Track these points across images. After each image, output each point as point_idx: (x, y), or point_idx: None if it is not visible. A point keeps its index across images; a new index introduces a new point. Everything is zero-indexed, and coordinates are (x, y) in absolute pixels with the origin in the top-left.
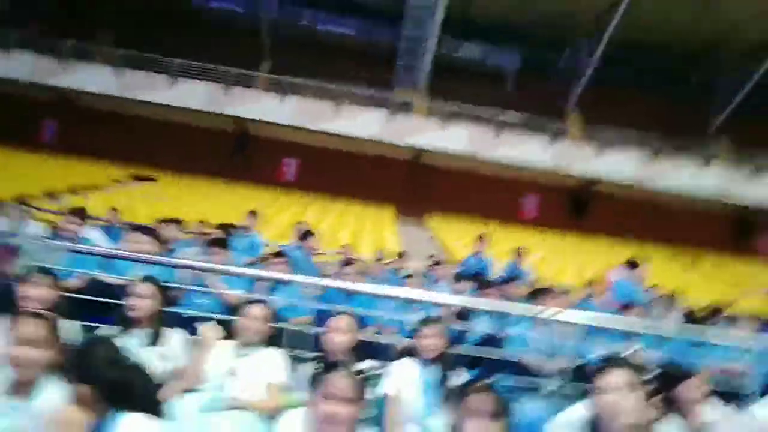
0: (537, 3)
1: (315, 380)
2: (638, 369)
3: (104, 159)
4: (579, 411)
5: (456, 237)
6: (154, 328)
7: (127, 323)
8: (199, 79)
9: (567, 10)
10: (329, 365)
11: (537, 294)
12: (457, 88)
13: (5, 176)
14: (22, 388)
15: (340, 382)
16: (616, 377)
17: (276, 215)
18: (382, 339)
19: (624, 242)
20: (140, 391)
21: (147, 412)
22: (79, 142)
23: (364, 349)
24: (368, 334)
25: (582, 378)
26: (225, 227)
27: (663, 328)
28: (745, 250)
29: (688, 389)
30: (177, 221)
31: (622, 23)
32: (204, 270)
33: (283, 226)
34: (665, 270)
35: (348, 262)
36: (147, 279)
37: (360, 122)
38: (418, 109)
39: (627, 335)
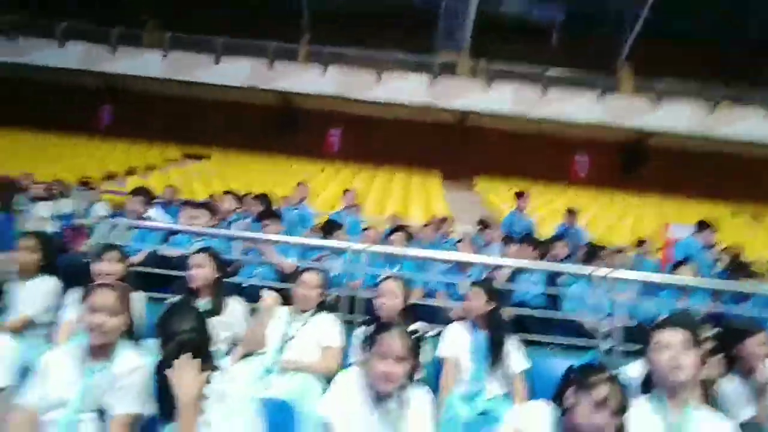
0: None
1: (369, 340)
2: (696, 327)
3: (158, 140)
4: (634, 370)
5: (504, 199)
6: (214, 297)
7: (189, 294)
8: (242, 55)
9: None
10: (382, 326)
11: (591, 254)
12: (500, 46)
13: (68, 161)
14: (99, 352)
15: (393, 341)
16: (671, 335)
17: (324, 186)
18: (434, 302)
19: (680, 198)
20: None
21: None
22: (134, 125)
23: (415, 313)
24: (419, 298)
25: (637, 337)
26: (264, 198)
27: (721, 284)
28: None
29: (751, 346)
30: (231, 194)
31: None
32: (257, 241)
33: (332, 196)
34: (725, 226)
35: (396, 229)
36: (203, 250)
37: (403, 88)
38: (462, 71)
39: (682, 292)
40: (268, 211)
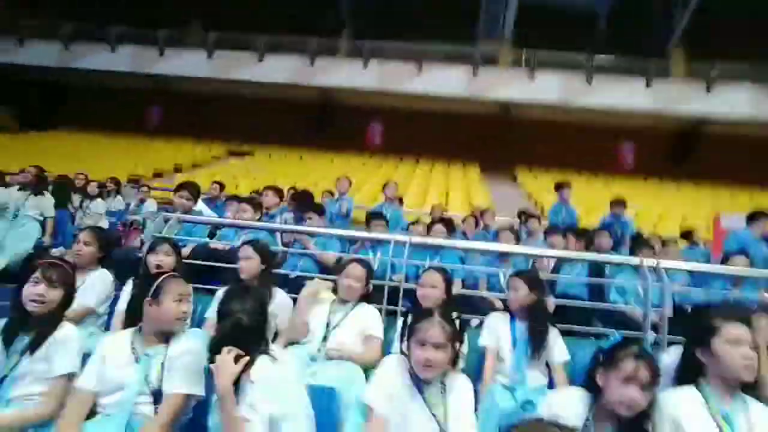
0: None
1: (409, 328)
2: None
3: (204, 138)
4: (668, 355)
5: (547, 191)
6: (261, 287)
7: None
8: (284, 53)
9: None
10: (422, 313)
11: (638, 244)
12: (543, 35)
13: (119, 160)
14: (155, 337)
15: (433, 328)
16: (743, 331)
17: (365, 179)
18: (475, 293)
19: (733, 187)
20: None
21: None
22: (181, 124)
23: (457, 304)
24: (461, 289)
25: (687, 323)
26: (305, 193)
27: None
28: None
29: None
30: (273, 189)
31: None
32: (300, 233)
33: (373, 189)
34: None
35: (437, 221)
36: (250, 242)
37: (443, 80)
38: (504, 61)
39: (734, 284)
40: (310, 205)
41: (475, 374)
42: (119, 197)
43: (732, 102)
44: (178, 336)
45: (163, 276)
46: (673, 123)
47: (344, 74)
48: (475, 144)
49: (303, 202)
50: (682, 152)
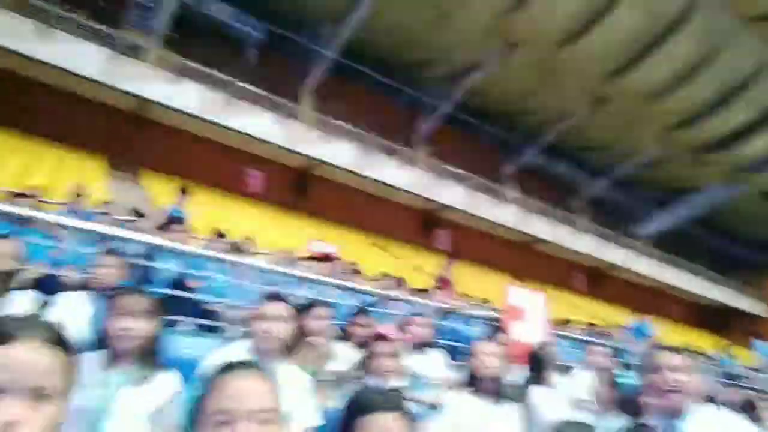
0: None
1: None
2: None
3: None
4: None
5: (168, 195)
6: None
7: None
8: None
9: None
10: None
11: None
12: (197, 44)
13: None
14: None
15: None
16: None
17: None
18: (57, 272)
19: (341, 225)
20: None
21: None
22: None
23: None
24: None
25: None
26: None
27: None
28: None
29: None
30: None
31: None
32: None
33: None
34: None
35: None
36: None
37: (78, 55)
38: (148, 56)
39: None
40: None
41: None
42: None
43: (340, 152)
44: None
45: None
46: (294, 160)
47: None
48: (104, 137)
49: None
50: (301, 188)
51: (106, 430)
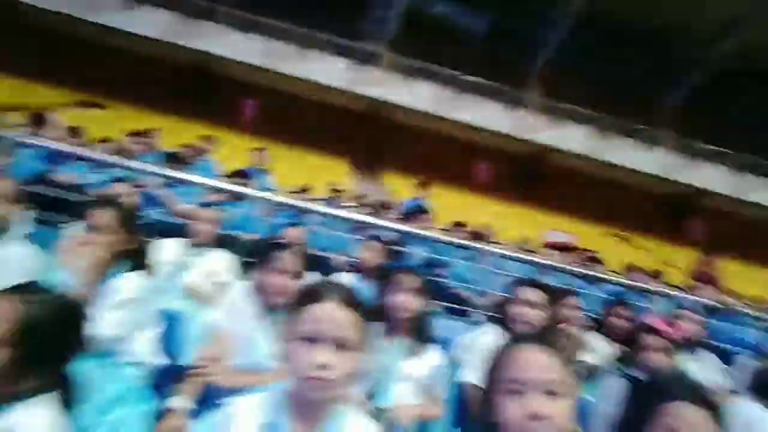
0: None
1: (264, 257)
2: None
3: (51, 81)
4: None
5: (408, 193)
6: None
7: None
8: (158, 5)
9: None
10: (277, 244)
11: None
12: (424, 43)
13: None
14: None
15: (288, 258)
16: (527, 293)
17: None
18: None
19: (568, 215)
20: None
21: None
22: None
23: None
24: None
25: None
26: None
27: None
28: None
29: None
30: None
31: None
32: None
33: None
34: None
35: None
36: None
37: (324, 68)
38: (383, 62)
39: None
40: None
41: None
42: None
43: (572, 137)
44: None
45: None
46: (528, 148)
47: (225, 42)
48: (345, 139)
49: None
50: (533, 177)
51: (391, 392)
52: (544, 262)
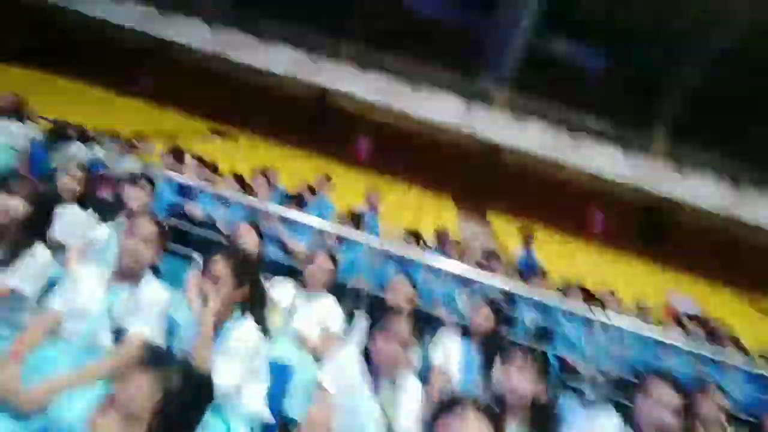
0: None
1: (377, 323)
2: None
3: (187, 110)
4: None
5: (515, 236)
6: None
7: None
8: (287, 44)
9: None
10: (392, 309)
11: (589, 298)
12: (541, 82)
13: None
14: (127, 275)
15: (401, 325)
16: (661, 390)
17: (342, 188)
18: (433, 311)
19: (693, 275)
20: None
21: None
22: (173, 92)
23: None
24: (420, 304)
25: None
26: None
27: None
28: None
29: None
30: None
31: None
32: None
33: (350, 197)
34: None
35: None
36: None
37: (437, 107)
38: (498, 101)
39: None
40: (296, 196)
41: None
42: (99, 148)
43: (702, 190)
44: (149, 279)
45: (137, 212)
46: (645, 199)
47: (344, 78)
48: (454, 178)
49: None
50: (649, 230)
51: None
52: (670, 341)
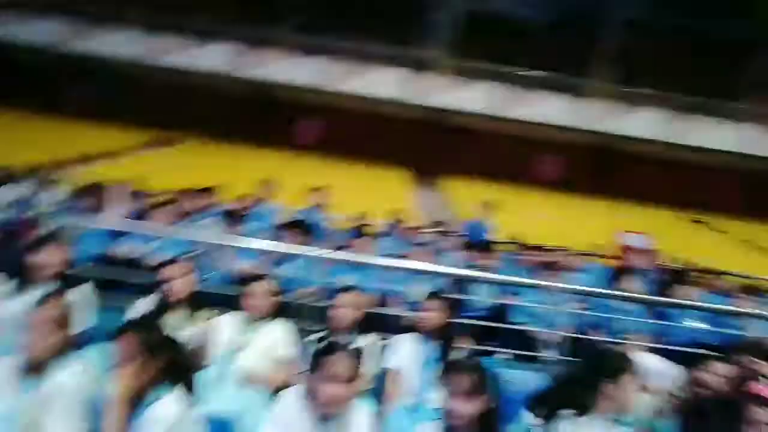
0: None
1: (316, 362)
2: None
3: (117, 123)
4: None
5: (471, 200)
6: (191, 308)
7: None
8: (221, 40)
9: None
10: (330, 345)
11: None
12: (480, 43)
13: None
14: (35, 368)
15: (341, 363)
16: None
17: (293, 179)
18: (387, 311)
19: (644, 205)
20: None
21: (188, 389)
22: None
23: (368, 322)
24: (373, 307)
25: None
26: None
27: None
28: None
29: None
30: (201, 191)
31: None
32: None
33: (300, 190)
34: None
35: (360, 234)
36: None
37: (379, 81)
38: (438, 67)
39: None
40: (234, 212)
41: (378, 396)
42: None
43: (645, 123)
44: (57, 367)
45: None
46: (592, 140)
47: (282, 67)
48: (403, 149)
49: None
50: (599, 169)
51: None
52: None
